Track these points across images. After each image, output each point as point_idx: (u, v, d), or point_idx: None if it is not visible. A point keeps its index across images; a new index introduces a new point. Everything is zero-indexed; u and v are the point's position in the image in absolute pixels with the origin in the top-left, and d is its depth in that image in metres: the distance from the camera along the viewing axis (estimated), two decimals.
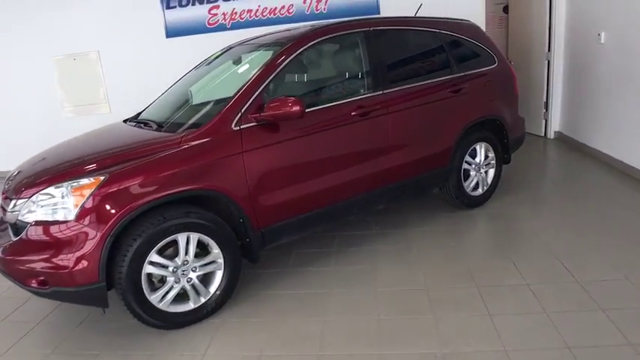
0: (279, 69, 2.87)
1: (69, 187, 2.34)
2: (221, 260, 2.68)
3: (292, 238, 3.07)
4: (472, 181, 3.92)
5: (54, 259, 2.32)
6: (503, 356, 2.18)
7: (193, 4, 6.38)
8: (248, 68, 3.18)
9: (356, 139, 3.13)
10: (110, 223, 2.32)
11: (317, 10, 6.24)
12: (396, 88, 3.32)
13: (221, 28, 6.41)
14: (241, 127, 2.68)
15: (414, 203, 4.21)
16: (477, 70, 3.87)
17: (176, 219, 2.48)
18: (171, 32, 6.48)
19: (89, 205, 2.32)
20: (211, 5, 6.35)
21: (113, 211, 2.33)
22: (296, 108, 2.64)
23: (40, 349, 2.57)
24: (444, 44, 3.72)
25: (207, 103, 3.12)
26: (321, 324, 2.57)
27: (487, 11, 7.22)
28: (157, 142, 2.64)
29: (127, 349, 2.51)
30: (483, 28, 5.79)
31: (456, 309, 2.59)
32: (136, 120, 3.29)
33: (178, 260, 2.55)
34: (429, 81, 3.55)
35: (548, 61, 5.92)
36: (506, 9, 7.15)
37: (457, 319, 2.50)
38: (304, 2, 6.22)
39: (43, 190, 2.40)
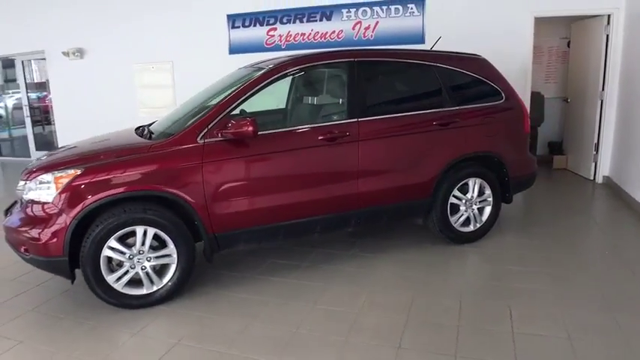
0: (248, 93, 3.18)
1: (53, 176, 2.87)
2: (175, 255, 3.03)
3: (249, 246, 3.34)
4: (461, 216, 3.85)
5: (33, 232, 2.85)
6: None
7: (254, 26, 6.97)
8: (232, 89, 3.54)
9: (320, 162, 3.30)
10: (77, 208, 2.80)
11: (364, 36, 6.45)
12: (371, 118, 3.43)
13: (277, 48, 6.91)
14: (205, 141, 3.03)
15: (408, 231, 4.23)
16: (475, 105, 3.82)
17: (135, 213, 2.89)
18: (234, 49, 7.14)
19: (64, 191, 2.82)
20: (270, 27, 6.89)
21: (80, 198, 2.80)
22: (249, 128, 2.94)
23: (25, 306, 3.13)
24: (439, 77, 3.73)
25: (194, 117, 3.52)
26: (245, 326, 2.79)
27: (550, 45, 6.88)
28: (132, 147, 3.09)
29: (82, 317, 2.96)
30: (529, 62, 5.61)
31: (370, 337, 2.64)
32: (142, 127, 3.80)
33: (134, 249, 2.95)
34: (412, 113, 3.59)
35: (602, 101, 5.48)
36: (570, 44, 6.71)
37: (364, 346, 2.56)
38: (353, 29, 6.48)
39: (38, 175, 2.95)
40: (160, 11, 7.36)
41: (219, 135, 3.03)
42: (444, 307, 2.92)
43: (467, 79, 3.88)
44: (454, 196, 3.78)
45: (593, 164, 5.71)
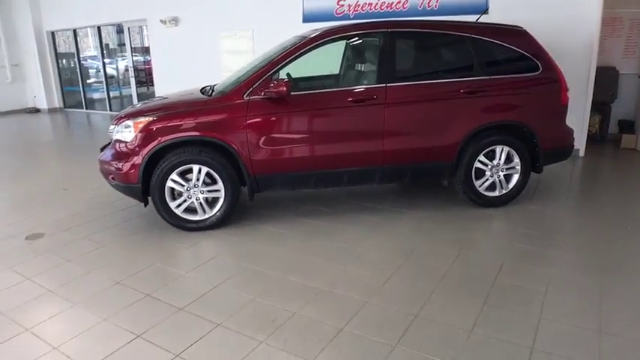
0: (288, 59, 3.69)
1: (133, 121, 3.66)
2: (222, 191, 3.72)
3: (285, 189, 3.93)
4: (486, 180, 4.08)
5: (118, 164, 3.68)
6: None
7: None
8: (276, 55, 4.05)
9: (347, 121, 3.75)
10: (148, 147, 3.57)
11: (429, 6, 6.59)
12: (399, 84, 3.78)
13: (345, 17, 7.29)
14: (250, 98, 3.62)
15: (441, 193, 4.55)
16: (506, 76, 3.97)
17: (192, 154, 3.60)
18: (307, 18, 7.64)
19: (140, 133, 3.60)
20: None
21: (152, 139, 3.57)
22: (283, 88, 3.49)
23: (111, 222, 4.07)
24: (472, 48, 3.93)
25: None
26: (270, 251, 3.42)
27: (632, 17, 6.47)
28: (194, 101, 3.78)
29: (151, 234, 3.79)
30: (596, 34, 5.44)
31: (366, 269, 3.12)
32: (205, 87, 4.47)
33: (191, 183, 3.67)
34: (439, 81, 3.87)
35: None
36: None
37: (357, 274, 3.06)
38: None
39: (123, 121, 3.76)
40: None
41: (262, 94, 3.61)
42: (439, 255, 3.29)
43: (501, 51, 4.02)
44: (480, 162, 4.02)
45: None
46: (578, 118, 5.62)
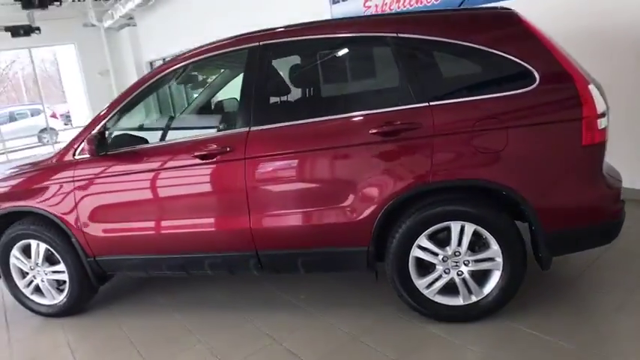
0: (121, 104, 2.68)
1: None
2: (67, 273, 2.90)
3: (139, 274, 2.92)
4: (437, 279, 2.37)
5: None
6: None
7: None
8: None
9: (195, 187, 2.54)
10: None
11: None
12: (267, 126, 2.41)
13: None
14: (77, 157, 2.74)
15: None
16: (465, 99, 2.22)
17: (24, 227, 2.90)
18: None
19: None
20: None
21: None
22: (87, 146, 2.49)
23: None
24: (396, 56, 2.30)
25: None
26: None
27: None
28: (39, 163, 3.04)
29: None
30: None
31: None
32: None
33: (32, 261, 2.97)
34: (334, 117, 2.34)
35: None
36: None
37: None
38: None
39: None
40: None
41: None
42: None
43: (455, 55, 2.30)
44: (422, 248, 2.35)
45: None
46: None
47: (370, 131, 2.27)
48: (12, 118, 15.18)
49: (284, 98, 2.59)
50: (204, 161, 2.49)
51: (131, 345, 2.64)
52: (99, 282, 2.94)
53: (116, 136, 2.76)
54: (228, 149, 2.44)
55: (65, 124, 16.53)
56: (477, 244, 2.35)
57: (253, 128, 2.43)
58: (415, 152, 2.25)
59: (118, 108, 2.71)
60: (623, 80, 3.56)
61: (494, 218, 2.25)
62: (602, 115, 2.19)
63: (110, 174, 2.69)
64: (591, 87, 2.18)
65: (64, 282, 2.96)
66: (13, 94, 27.18)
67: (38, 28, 9.23)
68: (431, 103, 2.24)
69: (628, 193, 3.65)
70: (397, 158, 2.28)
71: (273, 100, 2.53)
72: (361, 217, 2.35)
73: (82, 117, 12.93)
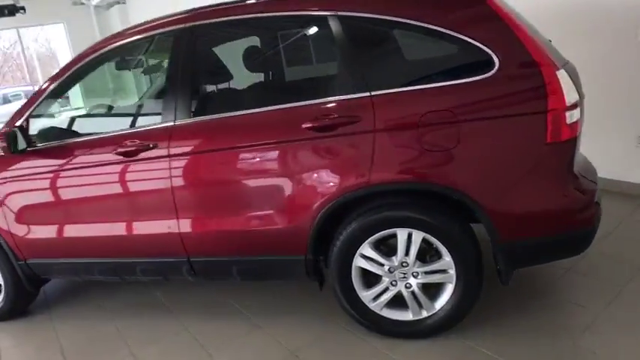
0: (42, 96, 2.42)
1: None
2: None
3: (70, 277, 2.71)
4: (384, 292, 2.11)
5: None
6: None
7: None
8: None
9: (119, 187, 2.28)
10: None
11: None
12: (194, 120, 2.13)
13: None
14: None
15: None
16: (411, 88, 1.91)
17: None
18: None
19: None
20: None
21: None
22: (1, 144, 2.26)
23: None
24: (337, 37, 1.98)
25: None
26: None
27: None
28: None
29: None
30: None
31: None
32: None
33: None
34: (267, 109, 2.05)
35: None
36: None
37: None
38: None
39: None
40: None
41: None
42: None
43: (408, 35, 1.98)
44: (365, 257, 2.09)
45: None
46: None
47: (303, 125, 1.98)
48: (6, 100, 15.03)
49: (211, 89, 2.30)
50: (127, 159, 2.23)
51: (62, 356, 2.46)
52: (32, 286, 2.74)
53: (41, 130, 2.51)
54: (151, 145, 2.18)
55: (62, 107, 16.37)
56: (429, 254, 2.08)
57: (178, 122, 2.16)
58: (354, 150, 1.96)
59: (42, 98, 2.45)
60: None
61: (446, 225, 1.96)
62: (573, 106, 1.86)
63: (33, 172, 2.46)
64: (561, 73, 1.85)
65: (0, 285, 2.79)
66: (18, 73, 27.19)
67: (23, 8, 8.97)
68: (372, 93, 1.93)
69: (622, 186, 3.36)
70: (333, 157, 1.99)
71: (199, 91, 2.24)
72: (296, 223, 2.08)
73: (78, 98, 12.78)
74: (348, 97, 1.96)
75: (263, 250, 2.18)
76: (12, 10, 8.86)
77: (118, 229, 2.36)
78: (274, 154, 2.05)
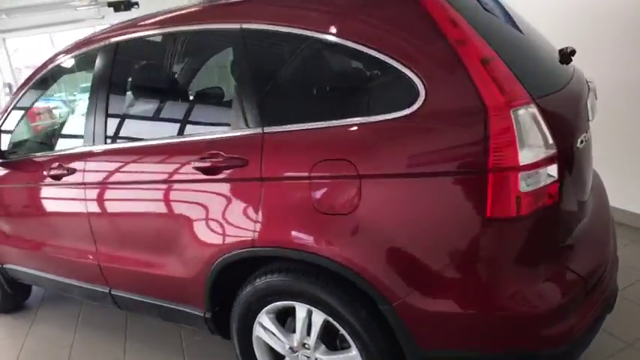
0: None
1: None
2: None
3: (38, 285, 2.72)
4: None
5: None
6: None
7: None
8: None
9: (52, 207, 2.26)
10: None
11: None
12: (102, 147, 1.92)
13: None
14: None
15: None
16: (302, 127, 1.43)
17: None
18: None
19: None
20: None
21: None
22: None
23: None
24: (239, 58, 1.58)
25: None
26: None
27: None
28: None
29: None
30: None
31: None
32: None
33: None
34: (159, 142, 1.75)
35: None
36: None
37: None
38: None
39: None
40: None
41: None
42: None
43: (317, 52, 1.49)
44: (264, 328, 1.69)
45: None
46: None
47: (192, 165, 1.64)
48: None
49: (119, 113, 2.05)
50: (55, 182, 2.14)
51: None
52: (12, 289, 2.85)
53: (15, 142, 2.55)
54: (67, 171, 2.04)
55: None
56: (339, 340, 1.60)
57: (90, 148, 1.99)
58: (240, 200, 1.57)
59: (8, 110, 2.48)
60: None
61: (349, 309, 1.47)
62: (537, 165, 1.22)
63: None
64: (522, 113, 1.22)
65: None
66: None
67: (137, 3, 9.76)
68: (265, 130, 1.51)
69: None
70: (221, 205, 1.61)
71: (107, 117, 2.00)
72: (189, 274, 1.77)
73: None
74: (239, 133, 1.56)
75: (164, 295, 1.92)
76: (127, 5, 9.71)
77: (51, 249, 2.31)
78: (165, 194, 1.75)
